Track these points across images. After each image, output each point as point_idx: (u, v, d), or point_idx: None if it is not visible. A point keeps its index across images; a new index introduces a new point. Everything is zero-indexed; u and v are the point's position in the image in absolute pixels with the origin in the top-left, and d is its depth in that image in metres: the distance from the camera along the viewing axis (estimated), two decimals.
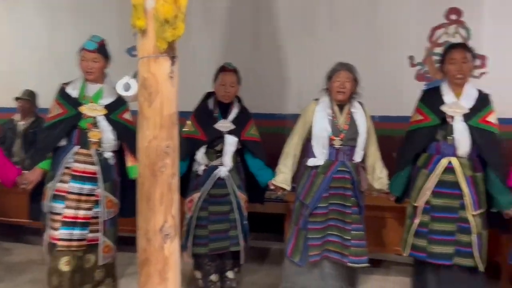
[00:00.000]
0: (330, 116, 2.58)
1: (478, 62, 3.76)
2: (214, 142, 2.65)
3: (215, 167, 2.64)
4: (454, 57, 2.45)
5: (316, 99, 2.67)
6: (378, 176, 2.65)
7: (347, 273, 2.65)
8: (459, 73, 2.43)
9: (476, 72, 3.78)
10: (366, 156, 2.66)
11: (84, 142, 2.48)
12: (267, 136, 3.01)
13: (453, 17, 3.81)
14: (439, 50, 3.82)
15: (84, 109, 2.49)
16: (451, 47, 2.54)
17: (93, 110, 2.48)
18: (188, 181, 2.71)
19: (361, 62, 3.82)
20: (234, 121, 2.70)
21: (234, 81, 2.69)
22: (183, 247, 2.59)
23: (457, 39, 3.78)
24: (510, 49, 3.69)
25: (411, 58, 3.87)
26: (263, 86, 3.93)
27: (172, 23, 1.56)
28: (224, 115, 2.71)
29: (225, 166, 2.65)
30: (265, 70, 3.97)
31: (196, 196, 2.64)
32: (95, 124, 2.50)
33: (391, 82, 3.84)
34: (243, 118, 2.74)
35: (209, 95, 2.79)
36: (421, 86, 3.90)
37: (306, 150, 2.67)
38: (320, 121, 2.57)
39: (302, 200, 2.60)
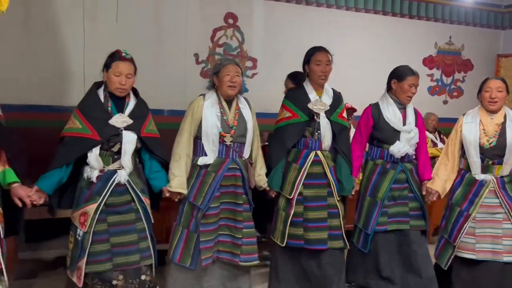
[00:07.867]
0: (219, 112, 2.50)
1: (250, 64, 4.33)
2: (110, 142, 2.25)
3: (113, 172, 2.26)
4: (319, 59, 2.62)
5: (202, 95, 2.56)
6: (258, 173, 2.66)
7: (239, 272, 2.62)
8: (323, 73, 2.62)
9: (249, 72, 4.33)
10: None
11: None
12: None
13: (230, 21, 4.24)
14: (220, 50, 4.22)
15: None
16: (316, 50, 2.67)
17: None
18: (73, 191, 2.30)
19: (148, 57, 3.90)
20: (131, 115, 2.32)
21: (132, 71, 2.32)
22: (71, 269, 2.20)
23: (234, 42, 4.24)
24: (275, 53, 4.35)
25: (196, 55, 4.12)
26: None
27: None
28: (119, 108, 2.32)
29: (125, 168, 2.27)
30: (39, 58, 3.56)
31: (91, 208, 2.21)
32: None
33: (178, 78, 4.01)
34: (141, 112, 2.39)
35: (97, 85, 2.36)
36: (205, 82, 4.22)
37: (194, 148, 2.54)
38: (210, 118, 2.47)
39: (193, 201, 2.47)
